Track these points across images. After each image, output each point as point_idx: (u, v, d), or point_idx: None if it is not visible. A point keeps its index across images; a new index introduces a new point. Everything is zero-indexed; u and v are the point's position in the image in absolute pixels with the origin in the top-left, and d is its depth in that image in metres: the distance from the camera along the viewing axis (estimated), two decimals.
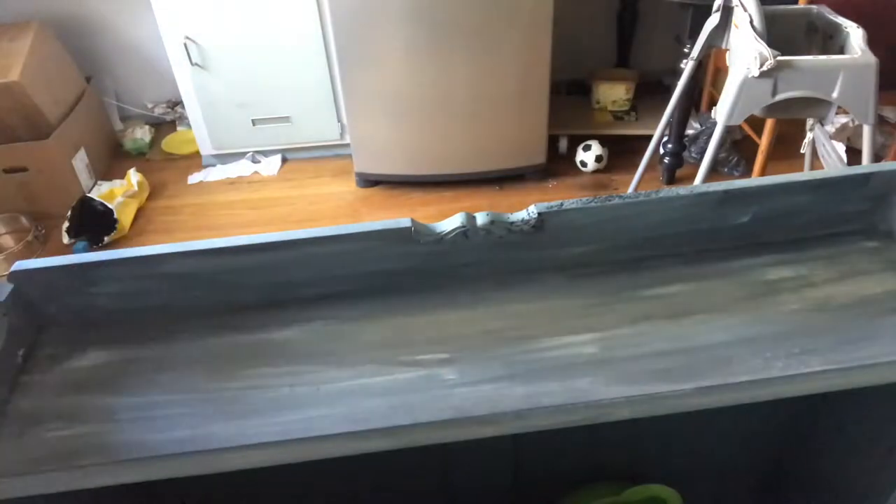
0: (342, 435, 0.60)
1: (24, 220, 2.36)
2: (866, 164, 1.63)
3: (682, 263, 0.78)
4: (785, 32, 1.62)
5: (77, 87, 2.63)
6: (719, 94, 1.74)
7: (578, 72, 2.74)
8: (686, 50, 2.13)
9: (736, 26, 1.62)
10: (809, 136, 1.88)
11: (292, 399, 0.65)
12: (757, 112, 1.57)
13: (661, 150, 2.47)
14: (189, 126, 2.65)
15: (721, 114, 1.58)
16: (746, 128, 2.41)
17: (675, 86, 2.01)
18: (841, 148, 2.41)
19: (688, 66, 1.91)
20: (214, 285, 0.75)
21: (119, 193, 2.46)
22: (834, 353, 0.65)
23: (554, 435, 0.64)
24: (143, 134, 2.81)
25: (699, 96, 2.72)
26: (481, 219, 0.74)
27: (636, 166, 2.24)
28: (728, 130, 1.65)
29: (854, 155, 2.36)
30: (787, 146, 2.21)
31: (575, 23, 2.53)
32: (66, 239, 2.31)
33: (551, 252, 0.77)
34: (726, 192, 0.76)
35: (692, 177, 1.84)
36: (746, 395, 0.62)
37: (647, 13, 2.70)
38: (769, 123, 2.03)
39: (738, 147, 2.54)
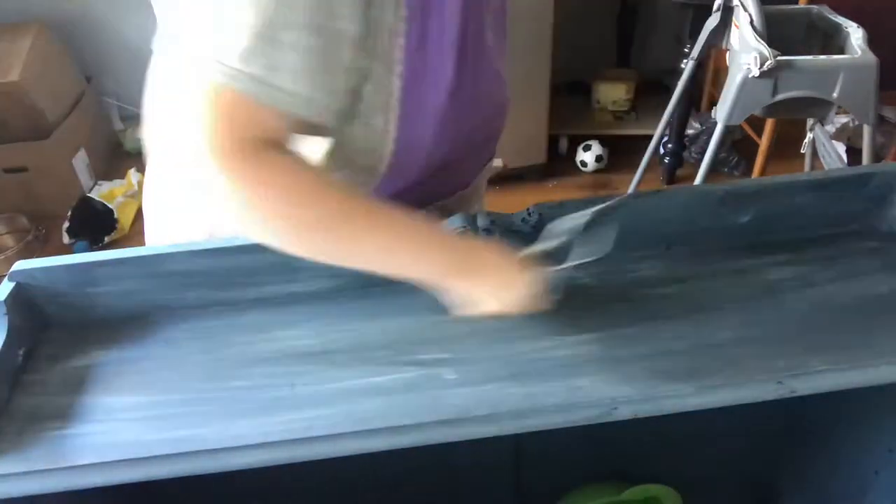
0: (342, 435, 0.60)
1: (24, 220, 2.36)
2: (866, 164, 1.63)
3: (683, 263, 0.78)
4: (785, 32, 1.62)
5: (77, 87, 2.63)
6: (719, 94, 1.74)
7: (578, 72, 2.74)
8: (686, 50, 2.13)
9: (736, 26, 1.62)
10: (809, 136, 1.88)
11: (293, 399, 0.65)
12: (757, 112, 1.58)
13: (661, 150, 2.47)
14: None
15: (721, 114, 1.58)
16: (746, 128, 2.41)
17: (675, 86, 2.01)
18: (841, 148, 2.41)
19: (688, 66, 1.91)
20: (214, 285, 0.75)
21: (119, 193, 2.46)
22: (834, 353, 0.65)
23: (554, 434, 0.64)
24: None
25: (699, 96, 2.71)
26: (481, 219, 0.74)
27: (636, 166, 2.24)
28: (728, 130, 1.65)
29: (854, 155, 2.36)
30: (787, 146, 2.21)
31: (575, 23, 2.53)
32: (66, 239, 2.31)
33: None
34: (726, 192, 0.76)
35: (692, 177, 1.84)
36: (746, 395, 0.62)
37: (647, 13, 2.70)
38: (769, 123, 2.03)
39: (738, 147, 2.54)
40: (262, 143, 0.55)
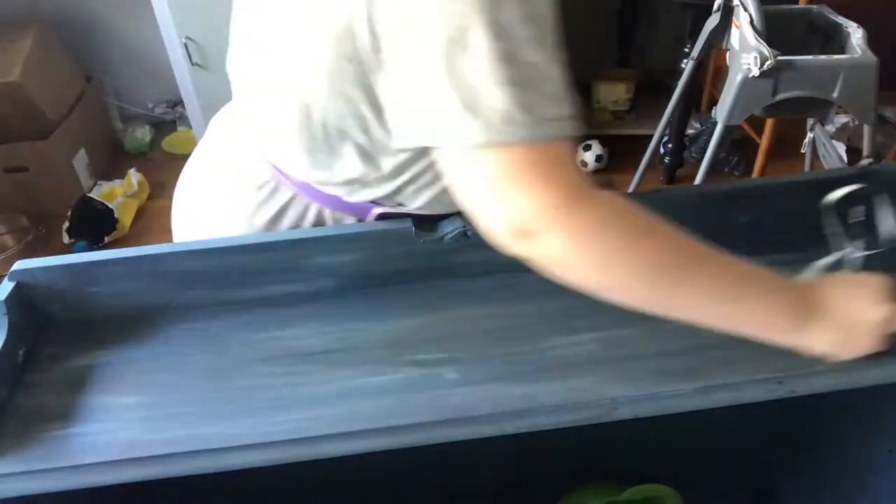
0: (343, 435, 0.60)
1: (24, 220, 2.35)
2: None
3: None
4: (785, 32, 1.62)
5: (77, 87, 2.63)
6: (719, 93, 1.74)
7: (578, 71, 2.73)
8: (686, 50, 2.12)
9: (736, 26, 1.62)
10: (810, 136, 1.88)
11: (293, 399, 0.65)
12: (757, 112, 1.57)
13: (662, 150, 2.47)
14: (189, 126, 2.65)
15: (721, 113, 1.58)
16: (746, 128, 2.41)
17: (675, 86, 2.01)
18: (841, 148, 2.41)
19: (688, 66, 1.91)
20: (214, 285, 0.74)
21: (119, 193, 2.45)
22: None
23: (554, 434, 0.64)
24: (143, 134, 2.81)
25: (699, 96, 2.71)
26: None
27: (636, 166, 2.24)
28: (728, 130, 1.65)
29: (854, 155, 2.36)
30: (787, 146, 2.21)
31: (575, 23, 2.53)
32: (66, 239, 2.31)
33: None
34: (727, 192, 0.76)
35: (692, 177, 1.84)
36: (747, 395, 0.62)
37: (647, 13, 2.70)
38: (769, 123, 2.03)
39: (738, 147, 2.54)
40: (586, 183, 0.53)
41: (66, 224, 2.33)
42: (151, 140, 2.83)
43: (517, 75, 0.50)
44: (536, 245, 0.52)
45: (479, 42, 0.49)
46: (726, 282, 0.56)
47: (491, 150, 0.50)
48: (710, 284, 0.56)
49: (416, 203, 0.71)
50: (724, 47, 1.74)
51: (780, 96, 1.49)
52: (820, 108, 1.57)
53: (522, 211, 0.50)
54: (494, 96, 0.49)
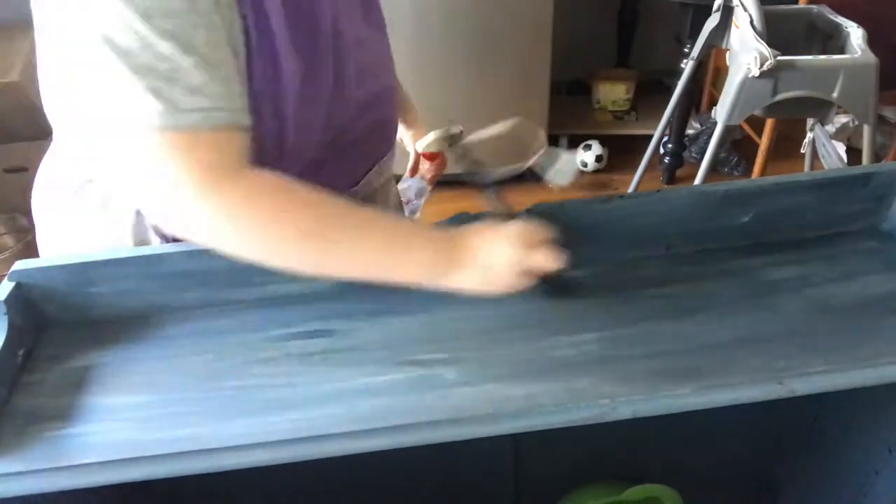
0: (342, 435, 0.60)
1: (24, 220, 2.35)
2: (866, 165, 1.63)
3: (683, 263, 0.78)
4: (785, 32, 1.62)
5: None
6: (719, 93, 1.74)
7: (578, 72, 2.74)
8: (686, 50, 2.13)
9: (736, 26, 1.62)
10: (809, 136, 1.88)
11: (291, 399, 0.65)
12: (757, 112, 1.57)
13: (662, 150, 2.47)
14: None
15: (721, 113, 1.58)
16: (746, 128, 2.41)
17: (675, 86, 2.01)
18: (841, 148, 2.41)
19: (688, 66, 1.91)
20: (214, 285, 0.74)
21: None
22: (834, 353, 0.65)
23: (554, 434, 0.64)
24: None
25: (699, 96, 2.72)
26: (482, 219, 0.74)
27: (636, 166, 2.24)
28: (728, 130, 1.66)
29: (854, 155, 2.36)
30: (787, 146, 2.21)
31: (575, 23, 2.53)
32: None
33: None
34: (726, 192, 0.76)
35: (692, 177, 1.84)
36: (746, 395, 0.62)
37: (647, 13, 2.70)
38: (769, 123, 2.03)
39: (738, 147, 2.54)
40: (229, 165, 0.58)
41: None
42: None
43: (147, 65, 0.54)
44: (179, 222, 0.59)
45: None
46: (372, 242, 0.63)
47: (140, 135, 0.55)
48: (355, 247, 0.63)
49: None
50: (724, 47, 1.74)
51: (780, 96, 1.49)
52: (820, 108, 1.57)
53: (159, 192, 0.57)
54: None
